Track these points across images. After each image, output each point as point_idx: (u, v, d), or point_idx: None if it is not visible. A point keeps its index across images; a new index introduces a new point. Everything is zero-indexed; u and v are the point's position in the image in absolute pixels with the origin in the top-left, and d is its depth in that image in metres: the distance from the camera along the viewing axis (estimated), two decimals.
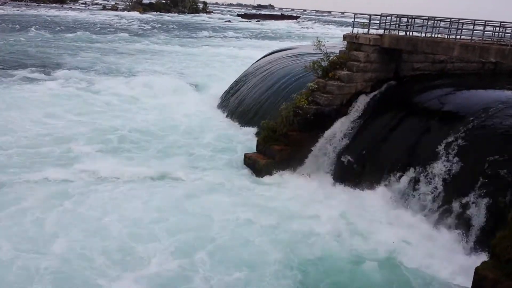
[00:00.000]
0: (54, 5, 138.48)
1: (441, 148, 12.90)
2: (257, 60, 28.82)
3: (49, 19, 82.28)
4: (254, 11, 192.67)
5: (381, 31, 16.71)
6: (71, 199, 12.91)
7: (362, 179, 14.23)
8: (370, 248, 11.34)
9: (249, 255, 10.78)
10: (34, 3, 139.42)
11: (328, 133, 15.62)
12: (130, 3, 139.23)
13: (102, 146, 17.50)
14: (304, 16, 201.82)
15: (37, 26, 64.67)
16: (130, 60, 39.95)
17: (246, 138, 19.20)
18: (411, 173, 13.15)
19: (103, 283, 9.50)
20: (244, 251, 10.92)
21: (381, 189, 13.59)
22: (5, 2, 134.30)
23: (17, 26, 64.64)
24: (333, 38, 52.02)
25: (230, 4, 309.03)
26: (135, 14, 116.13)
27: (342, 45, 18.51)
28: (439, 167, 12.64)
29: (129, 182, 14.35)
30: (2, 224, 11.37)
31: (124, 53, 43.98)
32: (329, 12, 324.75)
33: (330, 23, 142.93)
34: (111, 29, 70.03)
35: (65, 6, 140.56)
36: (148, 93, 26.76)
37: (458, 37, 15.02)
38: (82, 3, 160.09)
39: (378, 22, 16.79)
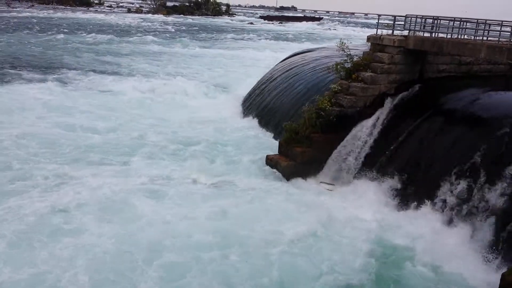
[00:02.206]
0: (80, 8, 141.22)
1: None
2: (280, 62, 28.82)
3: (78, 21, 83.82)
4: (276, 13, 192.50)
5: (405, 32, 16.53)
6: None
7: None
8: None
9: None
10: (61, 6, 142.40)
11: (351, 135, 15.50)
12: (154, 6, 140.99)
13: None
14: (327, 17, 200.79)
15: (65, 29, 66.06)
16: (154, 62, 40.42)
17: (268, 140, 19.24)
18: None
19: None
20: None
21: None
22: (32, 5, 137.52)
23: (46, 28, 66.15)
24: (357, 39, 51.58)
25: (253, 6, 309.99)
26: (159, 16, 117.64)
27: (366, 46, 18.40)
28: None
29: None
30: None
31: (147, 55, 44.50)
32: (353, 13, 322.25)
33: (353, 25, 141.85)
34: (136, 31, 70.97)
35: (90, 9, 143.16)
36: (172, 96, 27.02)
37: (485, 38, 14.75)
38: (108, 6, 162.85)
39: (402, 23, 16.60)
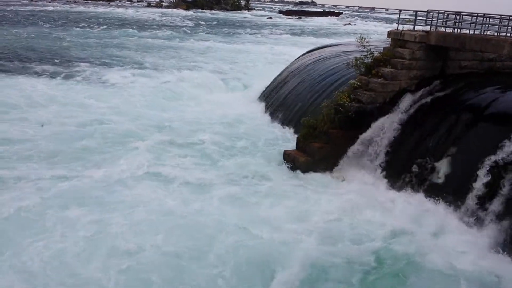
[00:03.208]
0: (100, 2, 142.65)
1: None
2: (298, 57, 28.71)
3: (98, 15, 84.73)
4: (295, 8, 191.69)
5: (427, 28, 16.31)
6: None
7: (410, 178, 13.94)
8: None
9: None
10: (82, 0, 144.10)
11: (370, 131, 15.38)
12: (174, 1, 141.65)
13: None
14: (347, 12, 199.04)
15: (89, 23, 66.93)
16: (175, 56, 40.65)
17: (286, 135, 19.23)
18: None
19: None
20: None
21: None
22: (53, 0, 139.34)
23: (68, 22, 67.09)
24: (377, 34, 51.03)
25: (272, 1, 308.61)
26: (179, 11, 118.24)
27: (386, 42, 18.20)
28: None
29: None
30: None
31: (165, 49, 44.75)
32: (373, 8, 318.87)
33: (373, 20, 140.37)
34: (156, 26, 71.52)
35: (111, 3, 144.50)
36: (188, 90, 27.13)
37: (508, 34, 14.44)
38: (128, 0, 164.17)
39: (424, 18, 16.38)
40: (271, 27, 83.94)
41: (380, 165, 14.88)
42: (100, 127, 18.83)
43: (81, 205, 12.29)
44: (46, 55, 36.18)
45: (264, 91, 26.03)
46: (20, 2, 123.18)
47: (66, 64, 32.39)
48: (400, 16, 17.13)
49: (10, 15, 73.53)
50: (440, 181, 13.28)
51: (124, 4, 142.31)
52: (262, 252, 10.63)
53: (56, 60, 33.73)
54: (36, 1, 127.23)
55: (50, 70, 29.68)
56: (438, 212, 12.61)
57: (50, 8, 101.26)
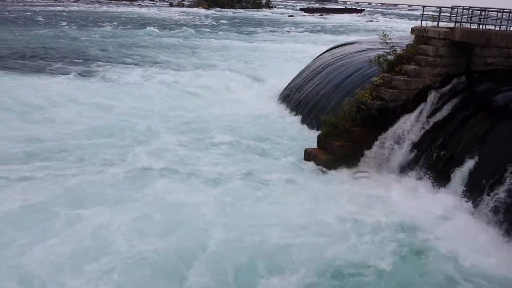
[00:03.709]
0: (124, 2, 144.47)
1: None
2: (320, 54, 28.56)
3: (120, 15, 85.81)
4: (317, 5, 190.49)
5: (451, 24, 16.01)
6: None
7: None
8: None
9: None
10: (105, 0, 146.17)
11: (393, 129, 15.19)
12: (196, 0, 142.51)
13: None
14: (369, 9, 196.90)
15: (110, 23, 67.88)
16: (194, 55, 40.91)
17: (307, 133, 19.16)
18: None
19: None
20: None
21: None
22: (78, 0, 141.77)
23: (90, 22, 68.14)
24: (400, 31, 50.44)
25: None
26: (200, 10, 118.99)
27: (409, 38, 17.97)
28: None
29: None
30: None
31: (189, 47, 45.05)
32: (395, 5, 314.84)
33: (396, 16, 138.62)
34: (178, 25, 72.09)
35: (134, 3, 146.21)
36: (208, 88, 27.28)
37: None
38: (150, 0, 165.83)
39: (448, 14, 16.09)
40: (291, 25, 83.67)
41: (403, 163, 14.68)
42: (120, 126, 19.03)
43: (98, 202, 12.42)
44: (66, 54, 36.80)
45: (285, 89, 25.97)
46: (46, 2, 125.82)
47: (86, 64, 32.88)
48: (424, 13, 16.88)
49: (33, 15, 75.13)
50: (463, 181, 13.00)
51: (146, 4, 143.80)
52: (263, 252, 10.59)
53: (76, 60, 34.28)
54: (60, 2, 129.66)
55: (70, 70, 30.13)
56: (459, 212, 12.38)
57: (74, 8, 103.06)
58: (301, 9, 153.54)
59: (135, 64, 33.91)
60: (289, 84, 26.11)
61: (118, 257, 10.03)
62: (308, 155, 16.07)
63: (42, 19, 68.74)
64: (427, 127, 14.75)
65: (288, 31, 71.17)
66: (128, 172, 14.49)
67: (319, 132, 16.98)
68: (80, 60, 34.27)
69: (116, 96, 23.94)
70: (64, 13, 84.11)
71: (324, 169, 15.24)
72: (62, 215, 11.58)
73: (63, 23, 64.52)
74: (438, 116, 14.73)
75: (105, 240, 10.64)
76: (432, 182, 13.59)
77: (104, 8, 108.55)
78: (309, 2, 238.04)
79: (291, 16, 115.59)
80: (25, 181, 13.34)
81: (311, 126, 19.77)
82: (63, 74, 28.03)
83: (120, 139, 17.43)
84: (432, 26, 16.02)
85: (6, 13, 78.13)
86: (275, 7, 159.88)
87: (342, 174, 15.10)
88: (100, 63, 33.46)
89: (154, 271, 9.70)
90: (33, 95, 22.24)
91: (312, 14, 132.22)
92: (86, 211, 11.81)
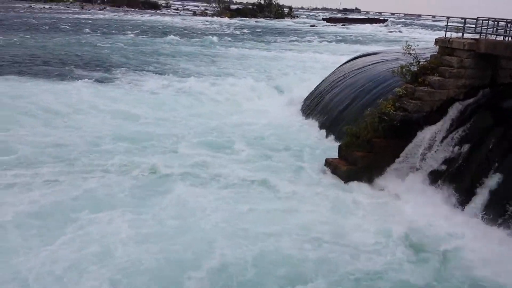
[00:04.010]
0: (148, 10, 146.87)
1: None
2: (342, 64, 28.52)
3: (145, 23, 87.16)
4: (339, 15, 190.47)
5: (476, 36, 15.83)
6: None
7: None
8: None
9: None
10: (131, 9, 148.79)
11: (416, 141, 15.02)
12: (219, 9, 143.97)
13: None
14: (392, 19, 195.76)
15: (133, 31, 69.00)
16: (215, 63, 41.22)
17: (328, 143, 19.08)
18: None
19: None
20: None
21: None
22: (104, 8, 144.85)
23: (114, 30, 69.36)
24: (422, 42, 49.94)
25: (316, 9, 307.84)
26: (223, 19, 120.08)
27: (433, 49, 17.79)
28: None
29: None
30: None
31: (209, 56, 45.43)
32: (419, 15, 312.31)
33: (419, 27, 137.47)
34: (201, 34, 72.84)
35: (158, 12, 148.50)
36: (229, 97, 27.42)
37: None
38: (174, 9, 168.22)
39: (473, 26, 15.91)
40: (313, 34, 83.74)
41: (425, 176, 14.49)
42: (141, 132, 19.26)
43: (115, 206, 12.63)
44: (88, 61, 37.34)
45: (306, 98, 25.98)
46: (72, 10, 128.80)
47: (107, 71, 33.30)
48: (448, 24, 16.74)
49: (58, 23, 76.86)
50: (484, 197, 12.75)
51: (170, 13, 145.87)
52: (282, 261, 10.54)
53: (97, 67, 34.77)
54: (87, 10, 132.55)
55: (92, 76, 30.51)
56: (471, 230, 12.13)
57: (99, 16, 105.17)
58: (323, 19, 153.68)
59: (156, 72, 34.24)
60: (311, 93, 26.10)
61: (121, 261, 10.12)
62: (329, 165, 16.00)
63: (66, 27, 70.27)
64: (451, 140, 14.53)
65: (310, 41, 71.22)
66: (149, 178, 14.67)
67: (340, 142, 16.91)
68: (101, 67, 34.76)
69: (137, 103, 24.19)
70: (89, 21, 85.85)
71: (345, 179, 15.14)
72: (78, 218, 11.80)
73: (87, 30, 65.85)
74: (462, 129, 14.50)
75: (113, 244, 10.72)
76: (454, 197, 13.36)
77: (128, 17, 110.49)
78: (332, 12, 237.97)
79: (313, 26, 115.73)
80: (47, 185, 13.59)
81: (332, 136, 19.69)
82: (84, 81, 28.43)
83: (141, 146, 17.63)
84: (456, 37, 15.86)
85: (32, 19, 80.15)
86: (297, 16, 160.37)
87: (362, 185, 14.96)
88: (122, 70, 33.85)
89: (155, 278, 9.71)
90: (56, 101, 22.58)
91: (334, 24, 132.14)
92: (101, 214, 11.99)
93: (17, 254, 10.21)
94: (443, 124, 14.93)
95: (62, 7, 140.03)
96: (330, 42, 71.60)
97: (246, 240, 11.21)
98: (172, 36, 63.32)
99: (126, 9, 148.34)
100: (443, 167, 14.23)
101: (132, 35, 62.58)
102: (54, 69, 32.18)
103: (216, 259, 10.38)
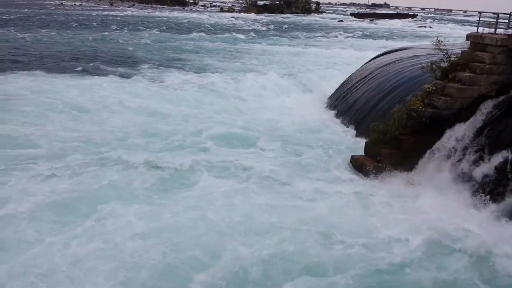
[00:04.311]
0: (176, 7, 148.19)
1: None
2: (369, 60, 28.13)
3: (173, 20, 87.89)
4: (367, 10, 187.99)
5: (509, 31, 15.34)
6: None
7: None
8: None
9: None
10: (159, 5, 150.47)
11: (445, 138, 14.69)
12: (246, 5, 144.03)
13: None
14: (422, 14, 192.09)
15: (159, 28, 69.65)
16: (240, 59, 41.23)
17: (354, 139, 18.87)
18: None
19: None
20: None
21: None
22: (133, 5, 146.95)
23: (140, 26, 70.18)
24: (453, 37, 48.88)
25: (343, 4, 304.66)
26: (250, 15, 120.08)
27: (465, 45, 17.37)
28: None
29: None
30: None
31: (236, 52, 45.50)
32: (450, 10, 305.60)
33: (450, 22, 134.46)
34: (228, 30, 73.07)
35: (186, 8, 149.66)
36: (254, 93, 27.32)
37: None
38: (201, 5, 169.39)
39: (506, 21, 15.45)
40: (340, 30, 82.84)
41: (454, 175, 14.15)
42: (166, 128, 19.36)
43: (140, 198, 12.88)
44: (114, 57, 37.83)
45: (332, 94, 25.74)
46: (102, 7, 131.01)
47: (132, 67, 33.59)
48: (480, 19, 16.30)
49: (87, 19, 78.27)
50: None
51: (198, 9, 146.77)
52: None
53: (123, 63, 35.12)
54: (116, 7, 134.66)
55: (117, 72, 30.82)
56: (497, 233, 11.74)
57: (128, 13, 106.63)
58: (351, 14, 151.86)
59: (181, 68, 34.44)
60: (337, 89, 25.84)
61: (130, 254, 10.23)
62: (355, 162, 15.82)
63: (94, 24, 71.44)
64: (481, 138, 14.16)
65: (336, 37, 70.49)
66: (173, 173, 14.77)
67: (367, 139, 16.69)
68: (127, 63, 35.10)
69: (162, 99, 24.33)
70: (117, 18, 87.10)
71: (371, 176, 14.94)
72: (97, 209, 12.02)
73: (114, 27, 66.77)
74: (493, 127, 14.10)
75: (126, 237, 10.86)
76: (482, 197, 12.98)
77: (156, 13, 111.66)
78: (360, 7, 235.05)
79: (341, 21, 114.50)
80: (71, 178, 13.87)
81: (358, 132, 19.46)
82: (110, 77, 28.75)
83: (166, 141, 17.77)
84: (489, 33, 15.42)
85: (61, 16, 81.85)
86: (324, 12, 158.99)
87: (389, 183, 14.72)
88: (146, 66, 34.06)
89: (163, 272, 9.74)
90: (82, 97, 22.92)
91: (362, 20, 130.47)
92: (120, 206, 12.20)
93: (29, 245, 10.37)
94: (473, 122, 14.56)
95: (92, 4, 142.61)
96: (357, 38, 70.72)
97: (266, 234, 11.22)
98: (198, 33, 63.67)
99: (154, 6, 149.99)
100: (473, 165, 13.87)
101: (158, 32, 63.22)
102: (80, 65, 32.69)
103: (230, 253, 10.39)
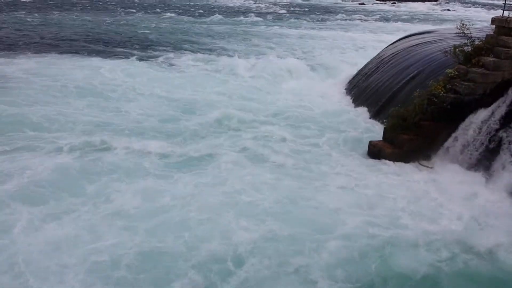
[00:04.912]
0: None
1: None
2: (390, 44, 27.60)
3: (193, 2, 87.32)
4: None
5: None
6: None
7: None
8: None
9: None
10: None
11: (466, 124, 14.39)
12: None
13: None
14: None
15: (176, 11, 69.24)
16: (261, 41, 40.87)
17: (372, 125, 18.62)
18: None
19: None
20: None
21: None
22: None
23: (156, 9, 70.01)
24: (478, 21, 47.57)
25: None
26: None
27: (489, 29, 16.89)
28: None
29: None
30: None
31: (253, 35, 45.09)
32: None
33: (475, 6, 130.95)
34: (244, 12, 72.37)
35: None
36: (274, 75, 27.09)
37: None
38: None
39: None
40: (362, 13, 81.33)
41: (474, 162, 13.90)
42: (184, 115, 19.29)
43: (150, 179, 13.10)
44: (129, 40, 37.70)
45: (352, 79, 25.38)
46: None
47: (148, 50, 33.40)
48: (506, 2, 15.81)
49: (107, 2, 78.26)
50: None
51: None
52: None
53: (137, 45, 35.03)
54: None
55: (134, 55, 30.80)
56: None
57: None
58: None
59: (197, 51, 34.07)
60: (356, 74, 25.47)
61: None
62: (373, 148, 15.62)
63: (111, 5, 71.42)
64: (504, 125, 13.83)
65: (357, 20, 69.28)
66: (195, 153, 15.00)
67: (386, 124, 16.45)
68: (143, 46, 34.83)
69: (180, 83, 24.22)
70: (136, 0, 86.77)
71: (389, 162, 14.75)
72: (99, 186, 12.40)
73: (133, 10, 66.62)
74: None
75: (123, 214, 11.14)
76: (507, 184, 12.74)
77: None
78: None
79: (362, 3, 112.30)
80: (73, 152, 14.34)
81: (377, 118, 19.20)
82: (124, 59, 28.89)
83: (185, 125, 17.87)
84: None
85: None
86: None
87: (407, 168, 14.55)
88: (162, 49, 33.81)
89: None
90: (97, 79, 23.11)
91: (384, 2, 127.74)
92: (125, 185, 12.52)
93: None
94: (496, 108, 14.21)
95: None
96: (377, 21, 69.37)
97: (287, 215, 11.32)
98: (216, 15, 63.12)
99: None
100: (495, 152, 13.58)
101: (173, 14, 62.72)
102: (95, 48, 32.80)
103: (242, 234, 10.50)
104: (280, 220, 11.16)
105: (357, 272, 9.46)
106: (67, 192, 12.00)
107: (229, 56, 32.40)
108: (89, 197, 11.89)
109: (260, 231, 10.69)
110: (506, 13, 15.31)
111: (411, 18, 76.14)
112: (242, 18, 62.62)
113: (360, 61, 27.85)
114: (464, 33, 15.85)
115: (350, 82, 25.07)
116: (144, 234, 10.43)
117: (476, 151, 14.02)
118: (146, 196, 12.02)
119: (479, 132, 14.15)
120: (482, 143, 13.99)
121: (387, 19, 72.53)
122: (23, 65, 25.29)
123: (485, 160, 13.74)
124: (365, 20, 69.08)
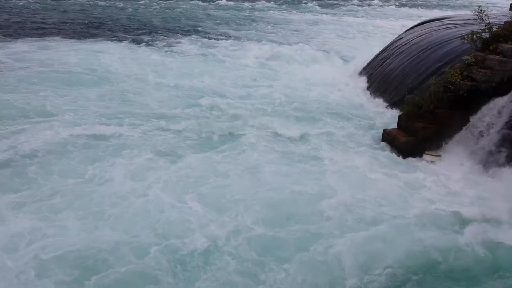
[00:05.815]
0: None
1: None
2: (406, 30, 27.15)
3: None
4: None
5: None
6: None
7: None
8: None
9: None
10: None
11: (482, 112, 14.13)
12: None
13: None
14: None
15: None
16: (274, 28, 40.53)
17: (387, 113, 18.41)
18: None
19: None
20: None
21: None
22: None
23: None
24: (498, 7, 46.61)
25: None
26: None
27: (508, 15, 16.51)
28: None
29: None
30: None
31: (266, 22, 44.72)
32: None
33: None
34: None
35: None
36: (287, 62, 26.95)
37: None
38: None
39: None
40: None
41: (488, 152, 13.68)
42: (201, 103, 19.10)
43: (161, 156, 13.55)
44: (129, 25, 37.50)
45: (366, 65, 25.05)
46: None
47: (149, 34, 33.27)
48: None
49: None
50: None
51: None
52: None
53: (138, 30, 34.82)
54: None
55: (135, 40, 30.78)
56: None
57: None
58: None
59: (205, 36, 33.88)
60: (371, 60, 25.12)
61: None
62: (387, 135, 15.47)
63: None
64: None
65: (372, 4, 68.27)
66: (214, 136, 15.42)
67: (400, 112, 16.25)
68: (142, 31, 34.65)
69: (187, 69, 24.05)
70: None
71: (403, 150, 14.61)
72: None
73: None
74: None
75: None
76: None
77: None
78: None
79: None
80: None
81: (391, 105, 18.98)
82: (124, 44, 28.95)
83: (199, 111, 17.92)
84: None
85: None
86: None
87: (422, 157, 14.40)
88: (164, 34, 33.63)
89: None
90: (100, 66, 23.17)
91: None
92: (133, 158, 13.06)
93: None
94: None
95: None
96: (395, 6, 68.29)
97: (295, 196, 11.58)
98: (225, 0, 62.37)
99: None
100: (508, 143, 13.34)
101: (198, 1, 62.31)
102: (97, 32, 32.75)
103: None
104: None
105: None
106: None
107: (238, 42, 32.06)
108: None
109: None
110: None
111: (428, 3, 74.85)
112: (253, 2, 61.84)
113: (375, 47, 27.44)
114: (482, 19, 15.47)
115: (365, 68, 24.73)
116: None
117: (491, 139, 13.79)
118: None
119: (495, 121, 13.90)
120: (497, 132, 13.75)
121: (403, 4, 71.37)
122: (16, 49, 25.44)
123: (497, 151, 13.55)
124: (381, 6, 68.04)
